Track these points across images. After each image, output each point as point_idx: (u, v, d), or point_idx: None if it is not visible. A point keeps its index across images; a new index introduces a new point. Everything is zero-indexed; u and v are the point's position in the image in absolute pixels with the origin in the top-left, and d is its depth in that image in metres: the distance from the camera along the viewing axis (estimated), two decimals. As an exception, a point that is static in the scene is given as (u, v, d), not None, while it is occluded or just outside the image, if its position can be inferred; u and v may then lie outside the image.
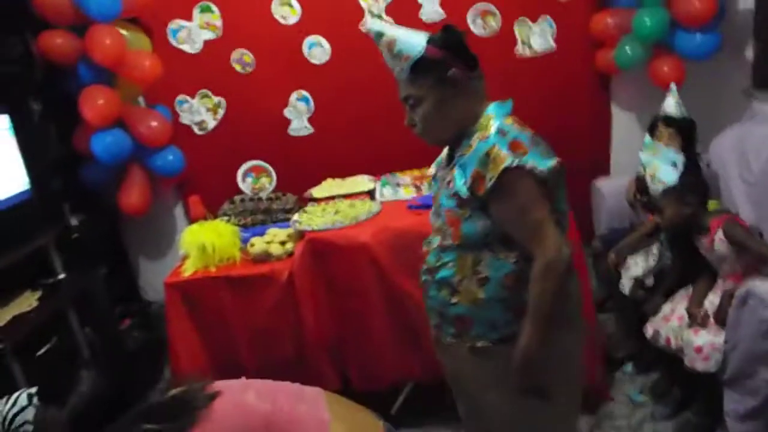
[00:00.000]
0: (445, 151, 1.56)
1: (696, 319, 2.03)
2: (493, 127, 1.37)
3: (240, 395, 1.09)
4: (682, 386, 2.24)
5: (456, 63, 1.41)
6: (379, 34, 1.43)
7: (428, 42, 1.40)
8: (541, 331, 1.33)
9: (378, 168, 2.97)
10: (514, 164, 1.28)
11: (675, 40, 2.92)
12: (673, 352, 2.12)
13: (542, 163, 1.32)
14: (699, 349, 1.98)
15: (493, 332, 1.41)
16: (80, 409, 2.40)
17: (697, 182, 2.21)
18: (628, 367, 2.54)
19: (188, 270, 2.31)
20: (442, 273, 1.43)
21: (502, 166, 1.28)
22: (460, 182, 1.36)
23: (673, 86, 2.60)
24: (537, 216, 1.32)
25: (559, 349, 1.38)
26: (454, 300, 1.42)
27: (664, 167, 2.18)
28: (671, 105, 2.55)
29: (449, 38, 1.42)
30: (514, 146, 1.32)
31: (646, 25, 2.85)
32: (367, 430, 1.15)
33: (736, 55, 3.00)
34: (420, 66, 1.39)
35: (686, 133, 2.50)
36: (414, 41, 1.40)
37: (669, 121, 2.52)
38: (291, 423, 1.07)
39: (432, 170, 1.64)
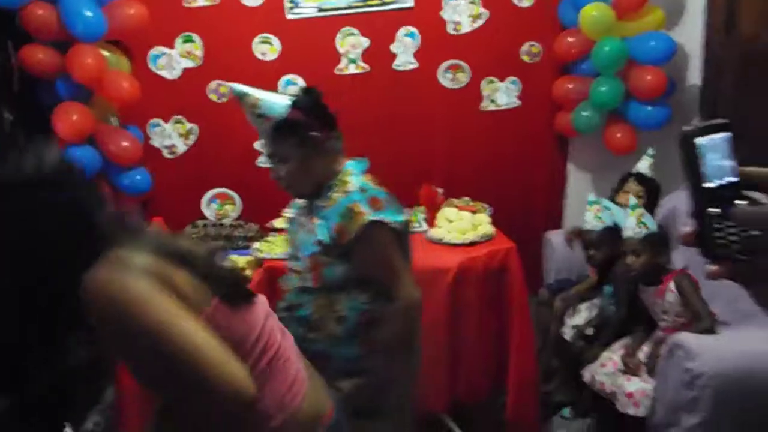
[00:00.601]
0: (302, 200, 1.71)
1: (629, 367, 2.16)
2: (355, 184, 1.55)
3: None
4: (610, 429, 2.34)
5: (316, 124, 1.55)
6: (243, 94, 1.55)
7: (291, 105, 1.53)
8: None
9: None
10: (374, 218, 1.47)
11: (628, 109, 3.15)
12: (608, 397, 2.23)
13: (396, 217, 1.53)
14: (630, 395, 2.09)
15: (348, 367, 1.55)
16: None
17: (667, 236, 2.36)
18: (566, 411, 2.63)
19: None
20: (301, 312, 1.57)
21: (364, 219, 1.46)
22: (324, 232, 1.51)
23: (650, 150, 2.83)
24: (395, 263, 1.53)
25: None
26: (311, 335, 1.54)
27: (647, 214, 2.32)
28: (646, 166, 2.78)
29: (310, 100, 1.57)
30: (372, 202, 1.51)
31: (602, 94, 3.07)
32: (321, 401, 1.22)
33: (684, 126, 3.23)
34: (283, 127, 1.52)
35: (653, 194, 2.70)
36: (277, 104, 1.53)
37: (641, 179, 2.73)
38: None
39: (289, 213, 1.78)
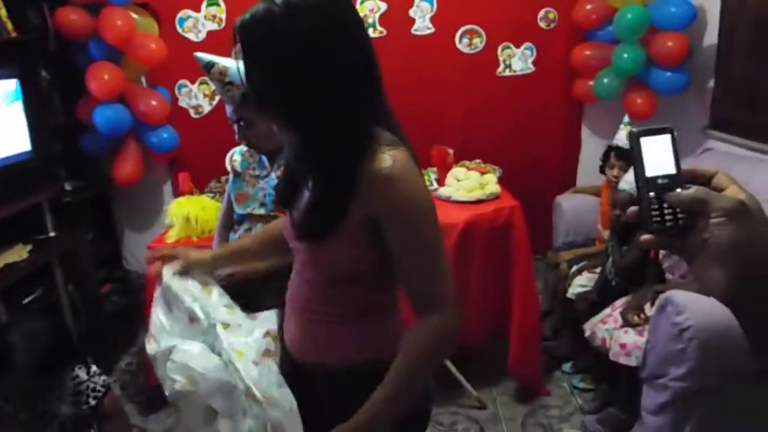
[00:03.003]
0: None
1: (630, 322, 2.24)
2: None
3: None
4: (608, 383, 2.45)
5: None
6: (210, 64, 1.64)
7: None
8: None
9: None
10: None
11: (649, 75, 3.18)
12: (605, 351, 2.34)
13: None
14: (623, 346, 2.20)
15: None
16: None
17: None
18: (567, 366, 2.75)
19: (171, 237, 2.50)
20: None
21: None
22: None
23: (625, 118, 2.81)
24: None
25: None
26: None
27: None
28: (623, 137, 2.74)
29: None
30: None
31: (624, 61, 3.11)
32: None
33: (699, 93, 3.25)
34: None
35: None
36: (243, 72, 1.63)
37: (619, 153, 2.72)
38: None
39: (234, 166, 1.89)
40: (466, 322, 2.43)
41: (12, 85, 2.59)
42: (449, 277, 1.03)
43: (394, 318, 1.15)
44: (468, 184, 2.50)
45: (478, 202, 2.48)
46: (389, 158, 0.96)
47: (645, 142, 0.63)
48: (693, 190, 0.59)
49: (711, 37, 3.16)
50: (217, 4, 3.33)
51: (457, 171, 2.63)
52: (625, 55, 3.10)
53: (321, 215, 1.01)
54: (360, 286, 1.06)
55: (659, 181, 0.62)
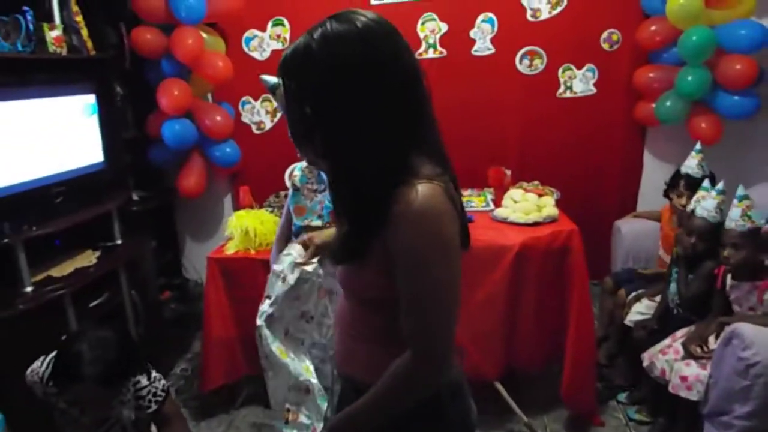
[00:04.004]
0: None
1: (693, 354, 2.15)
2: None
3: None
4: (666, 416, 2.35)
5: None
6: (276, 86, 1.68)
7: None
8: None
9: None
10: None
11: (715, 99, 3.08)
12: (665, 383, 2.25)
13: None
14: (685, 378, 2.11)
15: None
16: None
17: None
18: (622, 396, 2.66)
19: (230, 249, 2.57)
20: None
21: None
22: None
23: (698, 145, 2.70)
24: None
25: None
26: None
27: (756, 208, 2.18)
28: (694, 165, 2.65)
29: None
30: None
31: (688, 83, 3.02)
32: None
33: (771, 118, 3.13)
34: None
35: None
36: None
37: (691, 181, 2.61)
38: None
39: (294, 181, 1.96)
40: (519, 345, 2.44)
41: (91, 99, 2.75)
42: (448, 330, 0.99)
43: None
44: (525, 206, 2.48)
45: (535, 224, 2.45)
46: (415, 194, 0.93)
47: None
48: None
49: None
50: (282, 25, 3.44)
51: (514, 192, 2.61)
52: (690, 78, 3.01)
53: (351, 242, 1.02)
54: (385, 310, 1.04)
55: None
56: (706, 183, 2.42)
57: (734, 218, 2.16)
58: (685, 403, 2.16)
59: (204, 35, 3.11)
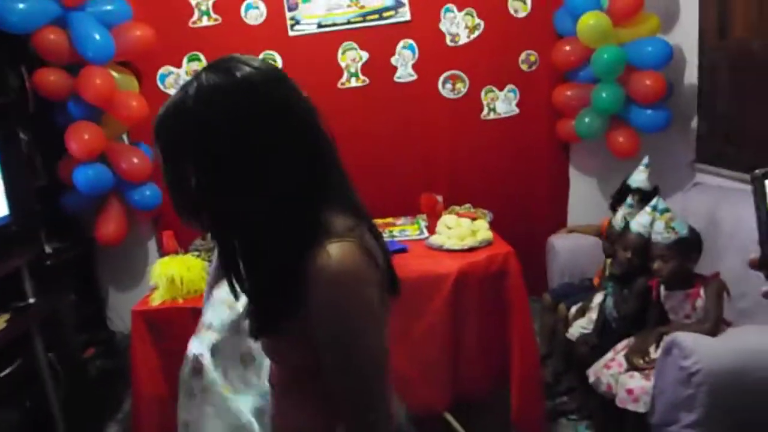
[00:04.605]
0: None
1: (636, 365, 2.17)
2: None
3: None
4: (616, 429, 2.35)
5: None
6: None
7: None
8: None
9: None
10: None
11: (629, 114, 3.19)
12: (612, 397, 2.26)
13: None
14: (630, 391, 2.12)
15: None
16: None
17: (698, 240, 2.26)
18: (572, 415, 2.66)
19: (156, 300, 2.41)
20: None
21: None
22: None
23: (645, 160, 2.79)
24: None
25: None
26: None
27: (678, 218, 2.23)
28: (643, 179, 2.73)
29: None
30: None
31: (603, 100, 3.12)
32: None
33: (683, 129, 3.27)
34: None
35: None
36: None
37: (643, 195, 2.65)
38: None
39: None
40: (465, 373, 2.40)
41: (-9, 149, 2.54)
42: (378, 396, 0.91)
43: None
44: (459, 232, 2.45)
45: (471, 249, 2.43)
46: (327, 256, 0.84)
47: None
48: None
49: (692, 74, 3.19)
50: (199, 60, 3.32)
51: (447, 218, 2.59)
52: (604, 95, 3.12)
53: (262, 319, 0.93)
54: (316, 375, 0.94)
55: None
56: (629, 199, 2.50)
57: (659, 231, 2.22)
58: (633, 415, 2.16)
59: (115, 74, 2.95)
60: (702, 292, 2.16)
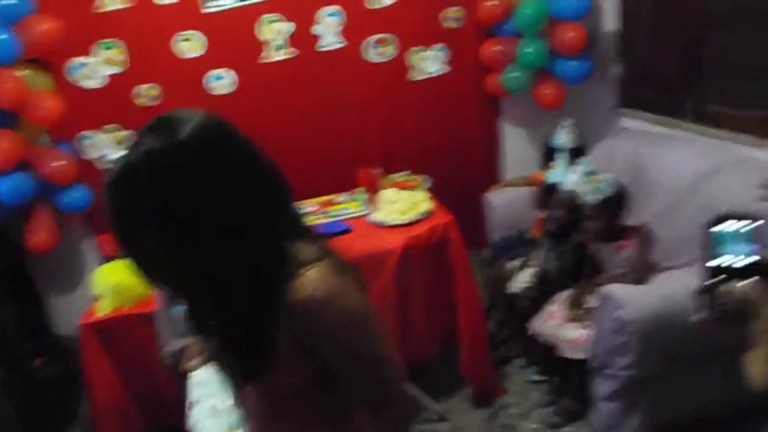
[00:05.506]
0: None
1: (576, 317, 2.31)
2: None
3: None
4: (560, 374, 2.53)
5: None
6: None
7: None
8: None
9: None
10: None
11: (554, 66, 3.26)
12: (552, 346, 2.41)
13: None
14: (570, 341, 2.28)
15: None
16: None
17: (623, 195, 2.40)
18: (520, 362, 2.82)
19: (102, 310, 2.37)
20: None
21: None
22: None
23: (565, 122, 2.91)
24: None
25: None
26: None
27: (604, 179, 2.35)
28: (568, 140, 2.87)
29: None
30: None
31: (528, 55, 3.17)
32: None
33: (604, 78, 3.37)
34: None
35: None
36: None
37: (571, 152, 2.79)
38: None
39: None
40: (416, 339, 2.50)
41: None
42: (395, 375, 1.02)
43: None
44: (401, 207, 2.50)
45: (413, 223, 2.48)
46: (309, 284, 0.90)
47: (722, 227, 0.66)
48: (749, 288, 0.63)
49: (610, 22, 3.26)
50: (113, 47, 3.15)
51: (387, 193, 2.62)
52: (529, 49, 3.16)
53: (250, 363, 0.96)
54: (305, 401, 1.01)
55: (731, 266, 0.65)
56: (562, 156, 2.59)
57: (587, 192, 2.33)
58: (575, 360, 2.32)
59: (24, 74, 2.78)
60: (631, 243, 2.29)
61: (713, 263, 0.65)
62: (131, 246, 0.91)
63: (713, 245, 0.65)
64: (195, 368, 1.64)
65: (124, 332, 2.34)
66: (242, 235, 0.89)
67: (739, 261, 0.64)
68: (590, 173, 2.35)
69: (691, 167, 2.53)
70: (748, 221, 0.65)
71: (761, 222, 0.64)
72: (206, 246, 0.88)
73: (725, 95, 2.62)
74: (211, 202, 0.87)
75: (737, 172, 2.33)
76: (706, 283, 0.66)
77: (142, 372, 2.38)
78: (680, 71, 2.84)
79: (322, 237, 1.02)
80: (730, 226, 0.65)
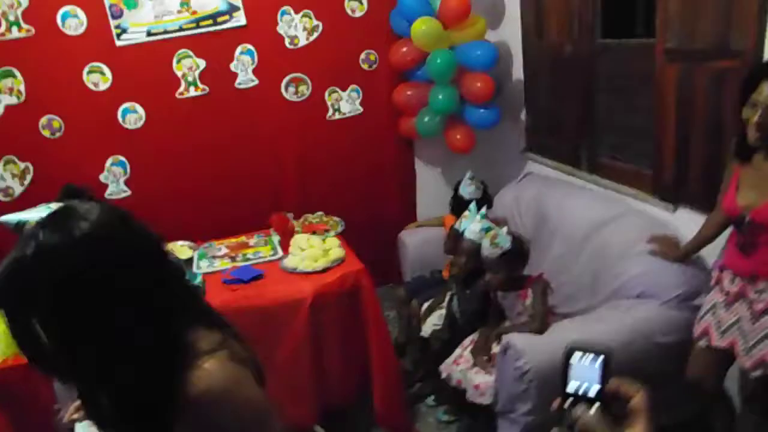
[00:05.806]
0: None
1: (480, 364, 2.40)
2: None
3: None
4: (469, 415, 2.61)
5: None
6: (21, 223, 1.49)
7: None
8: None
9: (197, 233, 3.01)
10: None
11: (464, 112, 3.40)
12: (463, 391, 2.49)
13: None
14: (477, 386, 2.37)
15: None
16: None
17: (521, 249, 2.48)
18: (430, 400, 2.89)
19: (-5, 358, 2.24)
20: None
21: None
22: None
23: (469, 173, 3.08)
24: None
25: None
26: None
27: (501, 234, 2.43)
28: (472, 191, 3.03)
29: None
30: None
31: (439, 101, 3.29)
32: None
33: (514, 121, 3.55)
34: None
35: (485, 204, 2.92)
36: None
37: (476, 203, 2.86)
38: None
39: None
40: (330, 385, 2.51)
41: None
42: None
43: None
44: (312, 253, 2.52)
45: (324, 270, 2.50)
46: (207, 376, 0.90)
47: (576, 356, 0.73)
48: (590, 417, 0.70)
49: (519, 71, 3.45)
50: (13, 76, 3.01)
51: (299, 239, 2.63)
52: (440, 96, 3.28)
53: None
54: None
55: (579, 393, 0.72)
56: (472, 206, 2.70)
57: (486, 247, 2.43)
58: (482, 406, 2.41)
59: None
60: (530, 292, 2.42)
61: (567, 389, 0.73)
62: (24, 342, 0.89)
63: (568, 371, 0.74)
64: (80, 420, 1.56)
65: (22, 383, 2.20)
66: (137, 332, 0.89)
67: (586, 389, 0.73)
68: (487, 229, 2.48)
69: (586, 216, 2.71)
70: (596, 353, 0.74)
71: (607, 354, 0.73)
72: (100, 343, 0.87)
73: (613, 149, 2.85)
74: (104, 300, 0.86)
75: (625, 225, 2.53)
76: (559, 405, 0.74)
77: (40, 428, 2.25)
78: (576, 124, 3.04)
79: (221, 321, 1.03)
80: (583, 357, 0.73)
